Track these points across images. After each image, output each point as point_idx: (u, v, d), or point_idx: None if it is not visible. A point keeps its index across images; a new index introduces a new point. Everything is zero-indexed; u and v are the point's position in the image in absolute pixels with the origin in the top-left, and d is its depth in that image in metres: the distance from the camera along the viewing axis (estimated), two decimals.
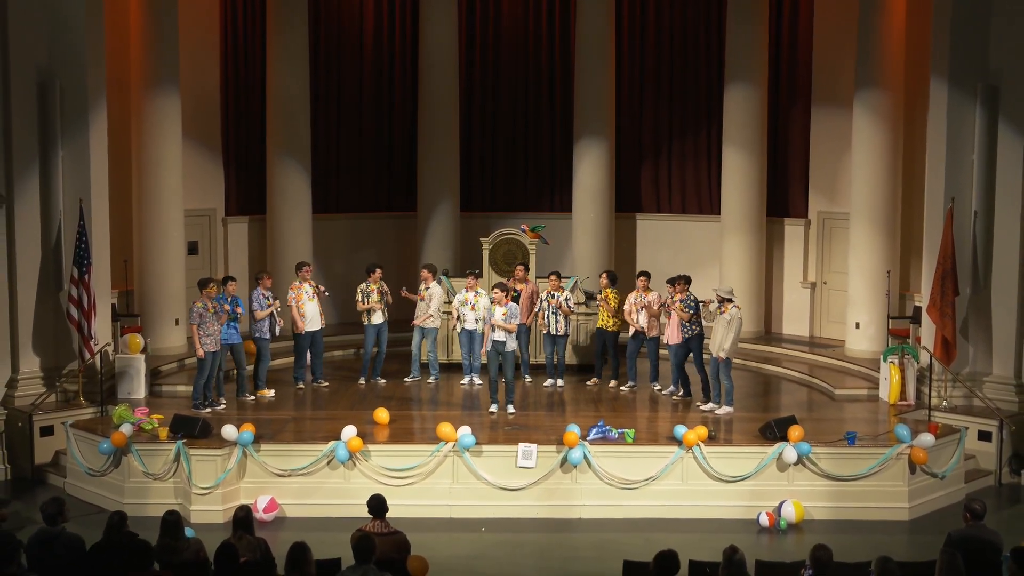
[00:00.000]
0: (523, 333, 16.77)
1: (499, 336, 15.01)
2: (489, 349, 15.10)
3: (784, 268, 19.87)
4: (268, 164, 19.59)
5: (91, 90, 15.52)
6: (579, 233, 19.80)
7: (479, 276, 16.99)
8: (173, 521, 9.37)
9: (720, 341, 14.87)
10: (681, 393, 15.91)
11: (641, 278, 16.41)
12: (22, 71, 15.12)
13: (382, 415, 14.39)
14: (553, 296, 16.47)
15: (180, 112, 17.68)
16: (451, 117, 20.15)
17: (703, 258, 19.75)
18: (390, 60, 21.00)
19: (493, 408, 15.09)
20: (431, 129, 20.11)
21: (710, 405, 15.21)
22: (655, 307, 16.07)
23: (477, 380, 16.57)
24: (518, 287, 16.70)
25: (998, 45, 15.15)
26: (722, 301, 14.98)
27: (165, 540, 9.25)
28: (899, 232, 17.86)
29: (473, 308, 16.22)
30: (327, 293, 16.57)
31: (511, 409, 15.06)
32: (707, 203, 20.49)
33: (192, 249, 19.01)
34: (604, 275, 16.80)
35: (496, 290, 15.28)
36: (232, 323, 15.34)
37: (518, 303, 16.49)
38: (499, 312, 15.04)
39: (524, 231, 17.88)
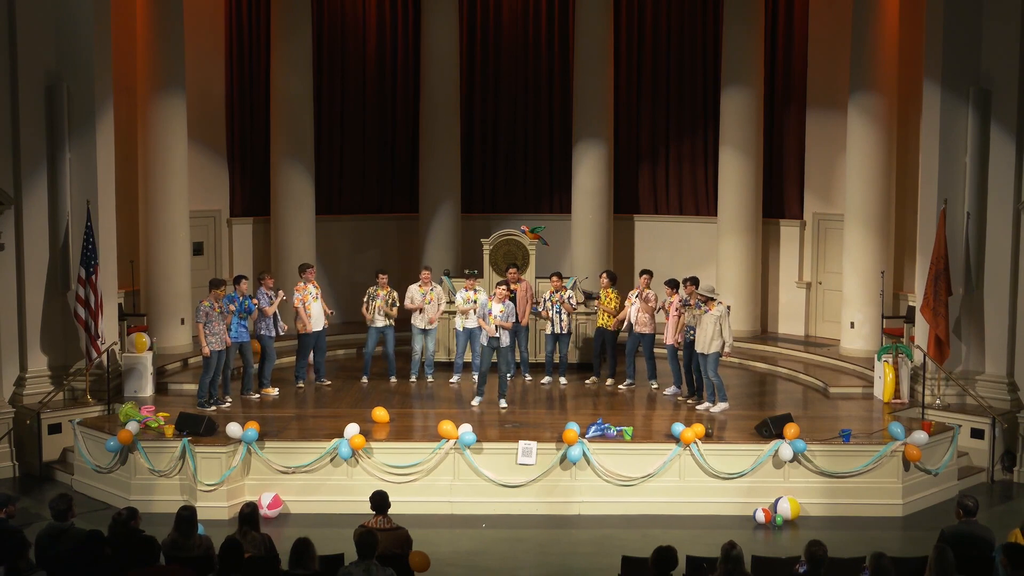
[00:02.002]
0: (522, 332, 16.79)
1: (495, 332, 15.06)
2: (485, 345, 15.16)
3: (780, 268, 19.87)
4: (272, 166, 19.59)
5: (98, 94, 15.52)
6: (578, 234, 19.81)
7: (479, 276, 17.02)
8: (187, 517, 9.34)
9: (711, 339, 14.86)
10: (686, 393, 15.85)
11: (643, 276, 16.40)
12: (30, 75, 15.14)
13: (381, 414, 14.40)
14: (557, 295, 16.49)
15: (186, 115, 17.68)
16: (452, 120, 20.16)
17: (700, 259, 19.75)
18: (392, 63, 21.01)
19: (476, 401, 15.24)
20: (432, 132, 20.12)
21: (705, 404, 15.21)
22: (651, 302, 16.07)
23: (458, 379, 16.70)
24: (513, 287, 16.70)
25: (990, 49, 15.16)
26: (705, 300, 14.96)
27: (176, 536, 9.26)
28: (893, 233, 17.86)
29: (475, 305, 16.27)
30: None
31: (503, 404, 15.13)
32: (704, 204, 20.50)
33: (197, 250, 19.02)
34: (604, 275, 16.81)
35: (501, 288, 15.31)
36: (242, 322, 15.37)
37: (515, 304, 16.52)
38: (496, 308, 15.10)
39: (524, 232, 17.90)
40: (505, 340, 15.19)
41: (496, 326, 15.08)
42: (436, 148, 20.12)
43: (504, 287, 15.34)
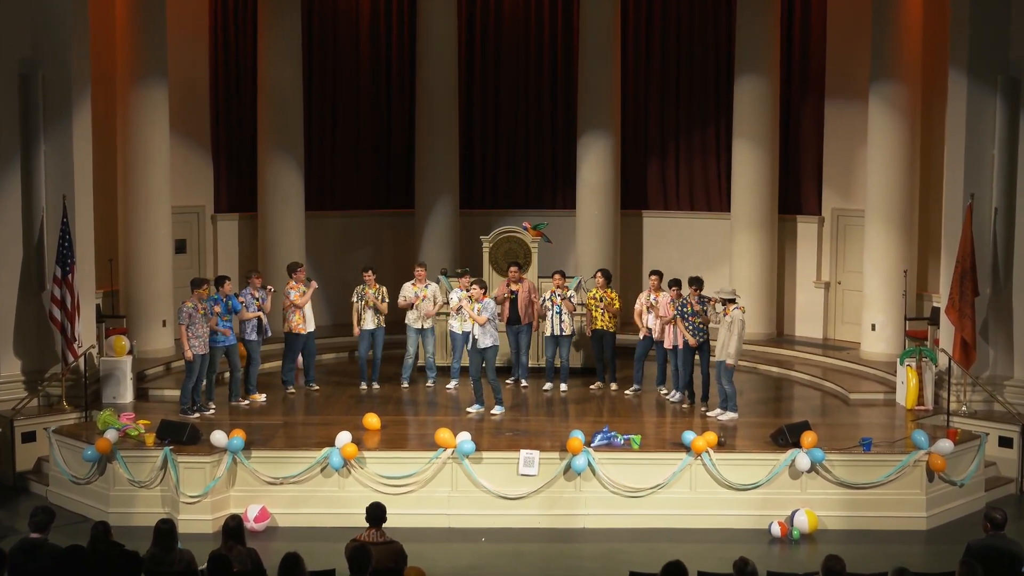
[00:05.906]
0: (524, 334, 16.81)
1: (483, 340, 15.07)
2: (471, 349, 15.23)
3: (797, 267, 19.89)
4: (259, 159, 19.59)
5: (75, 82, 15.53)
6: (583, 231, 19.82)
7: (471, 274, 17.05)
8: (166, 530, 9.34)
9: (723, 345, 14.88)
10: (690, 400, 15.86)
11: (653, 277, 16.37)
12: (3, 62, 15.13)
13: (372, 421, 14.39)
14: (558, 295, 16.48)
15: (167, 105, 17.68)
16: (451, 111, 20.16)
17: (713, 257, 19.77)
18: (387, 51, 21.02)
19: (472, 408, 15.27)
20: (430, 123, 20.12)
21: (716, 411, 15.22)
22: (662, 310, 16.03)
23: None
24: (514, 288, 16.69)
25: (1018, 36, 15.17)
26: (724, 303, 14.96)
27: (156, 550, 9.26)
28: (916, 230, 17.87)
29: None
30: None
31: (495, 411, 15.16)
32: (716, 200, 20.52)
33: (180, 248, 19.03)
34: (599, 274, 16.77)
35: (475, 286, 15.33)
36: (228, 324, 15.36)
37: (517, 305, 16.52)
38: (475, 307, 15.11)
39: (526, 229, 17.90)
40: (484, 341, 15.16)
41: (477, 328, 15.08)
42: (433, 140, 20.12)
43: (478, 287, 15.33)
